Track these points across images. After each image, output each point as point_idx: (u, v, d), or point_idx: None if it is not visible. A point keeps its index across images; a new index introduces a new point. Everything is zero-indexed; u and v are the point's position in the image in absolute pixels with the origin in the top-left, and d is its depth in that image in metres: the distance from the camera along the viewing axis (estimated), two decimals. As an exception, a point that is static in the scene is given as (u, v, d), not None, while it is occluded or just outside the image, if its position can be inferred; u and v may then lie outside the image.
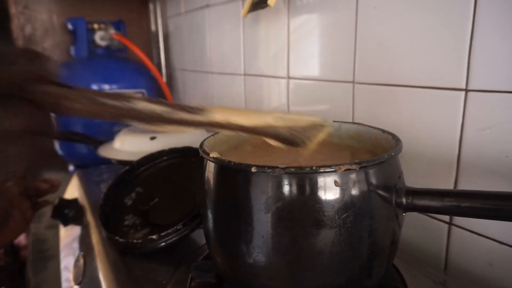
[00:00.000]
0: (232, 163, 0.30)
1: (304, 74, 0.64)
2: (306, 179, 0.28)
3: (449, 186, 0.43)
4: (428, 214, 0.46)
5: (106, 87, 1.06)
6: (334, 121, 0.43)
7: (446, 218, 0.44)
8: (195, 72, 1.07)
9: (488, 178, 0.39)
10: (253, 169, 0.29)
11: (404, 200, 0.31)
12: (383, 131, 0.38)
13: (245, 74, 0.81)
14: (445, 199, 0.30)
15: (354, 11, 0.52)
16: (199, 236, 0.50)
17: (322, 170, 0.28)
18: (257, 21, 0.74)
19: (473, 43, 0.38)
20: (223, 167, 0.32)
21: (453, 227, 0.44)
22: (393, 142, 0.35)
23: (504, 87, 0.37)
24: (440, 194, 0.31)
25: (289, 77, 0.67)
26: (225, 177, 0.32)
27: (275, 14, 0.67)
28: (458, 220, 0.43)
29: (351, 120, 0.55)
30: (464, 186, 0.41)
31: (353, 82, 0.54)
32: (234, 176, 0.31)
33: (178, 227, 0.46)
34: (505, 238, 0.39)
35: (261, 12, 0.70)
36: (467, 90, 0.40)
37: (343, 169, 0.28)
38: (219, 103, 0.97)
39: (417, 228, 0.48)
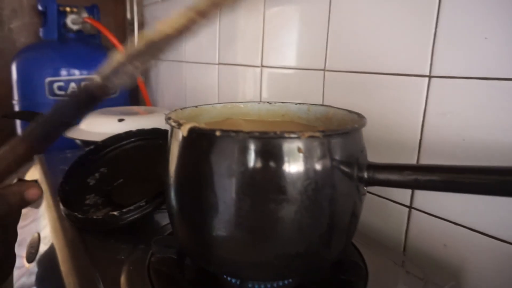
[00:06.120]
0: (196, 128, 0.30)
1: (277, 63, 0.64)
2: (269, 144, 0.28)
3: (411, 170, 0.44)
4: (389, 199, 0.48)
5: (76, 72, 1.02)
6: (303, 104, 0.44)
7: (407, 201, 0.45)
8: (169, 61, 1.05)
9: (446, 161, 0.41)
10: (218, 133, 0.28)
11: (365, 174, 0.32)
12: (350, 111, 0.38)
13: (219, 64, 0.81)
14: (404, 172, 0.31)
15: (328, 0, 0.53)
16: (162, 217, 0.49)
17: (286, 136, 0.28)
18: (233, 9, 0.73)
19: (437, 30, 0.40)
20: (187, 132, 0.31)
21: (413, 211, 0.45)
22: (359, 120, 0.35)
23: (463, 73, 0.38)
24: (400, 168, 0.31)
25: (262, 66, 0.68)
26: (189, 143, 0.31)
27: (251, 2, 0.68)
28: (418, 203, 0.44)
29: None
30: (424, 170, 0.43)
31: (324, 69, 0.55)
32: (198, 142, 0.30)
33: (141, 204, 0.45)
34: (459, 219, 0.40)
35: (238, 0, 0.70)
36: (430, 77, 0.41)
37: (306, 136, 0.28)
38: (192, 93, 0.96)
39: (379, 212, 0.49)
